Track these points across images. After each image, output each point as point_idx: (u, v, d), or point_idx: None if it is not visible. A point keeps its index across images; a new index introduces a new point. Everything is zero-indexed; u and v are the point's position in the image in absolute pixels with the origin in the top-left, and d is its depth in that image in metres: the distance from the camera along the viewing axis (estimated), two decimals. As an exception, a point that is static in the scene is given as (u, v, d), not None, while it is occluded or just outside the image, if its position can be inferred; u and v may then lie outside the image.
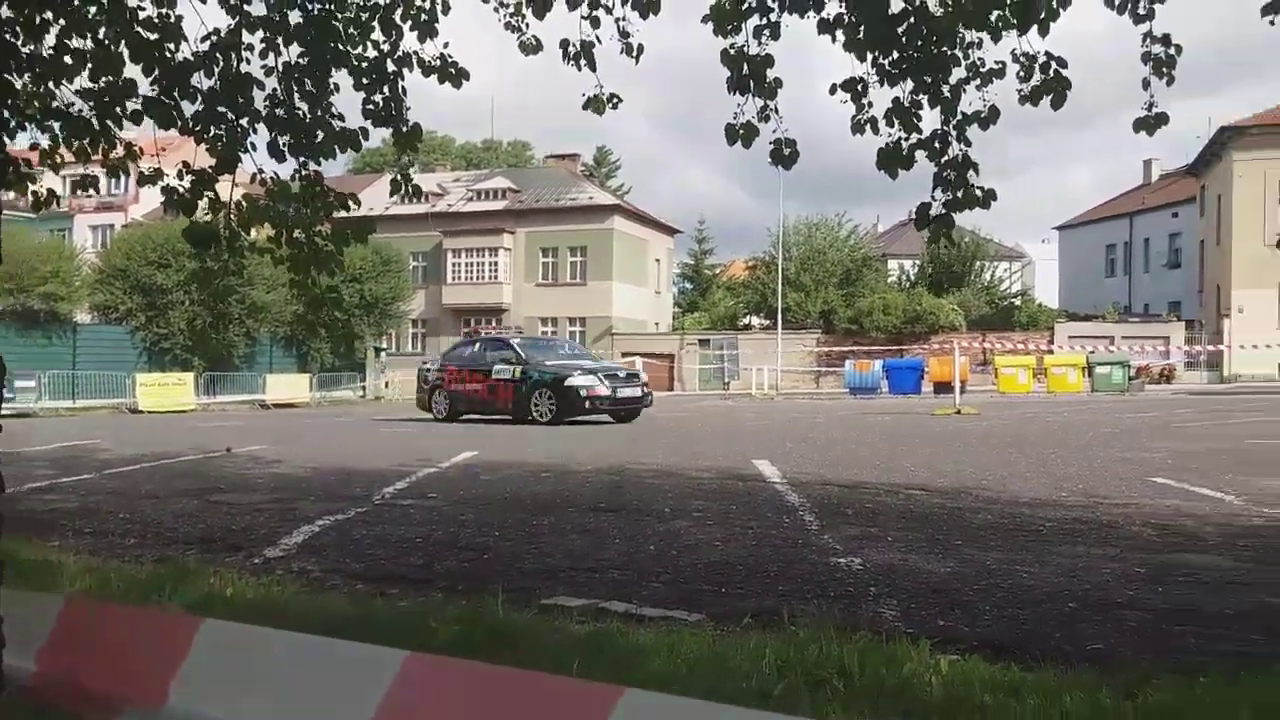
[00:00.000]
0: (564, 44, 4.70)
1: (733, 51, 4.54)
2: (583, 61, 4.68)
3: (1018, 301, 46.43)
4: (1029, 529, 5.88)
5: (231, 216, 4.95)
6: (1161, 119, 4.17)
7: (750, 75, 4.48)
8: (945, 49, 4.30)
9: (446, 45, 5.13)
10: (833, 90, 4.65)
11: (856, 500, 7.17)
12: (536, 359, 19.07)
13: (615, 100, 4.94)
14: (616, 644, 3.23)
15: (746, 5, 4.37)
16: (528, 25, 5.08)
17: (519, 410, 18.56)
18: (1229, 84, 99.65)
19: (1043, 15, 4.22)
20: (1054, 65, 4.25)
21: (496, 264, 48.54)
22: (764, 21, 4.53)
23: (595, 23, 4.58)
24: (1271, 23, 3.73)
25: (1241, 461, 9.70)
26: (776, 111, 4.49)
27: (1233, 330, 35.96)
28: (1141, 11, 4.08)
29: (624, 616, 3.86)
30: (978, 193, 4.45)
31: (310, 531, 6.01)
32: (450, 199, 51.00)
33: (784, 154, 4.55)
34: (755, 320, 48.80)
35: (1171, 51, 4.13)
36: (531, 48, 5.12)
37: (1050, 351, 34.24)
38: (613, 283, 47.41)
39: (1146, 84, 4.14)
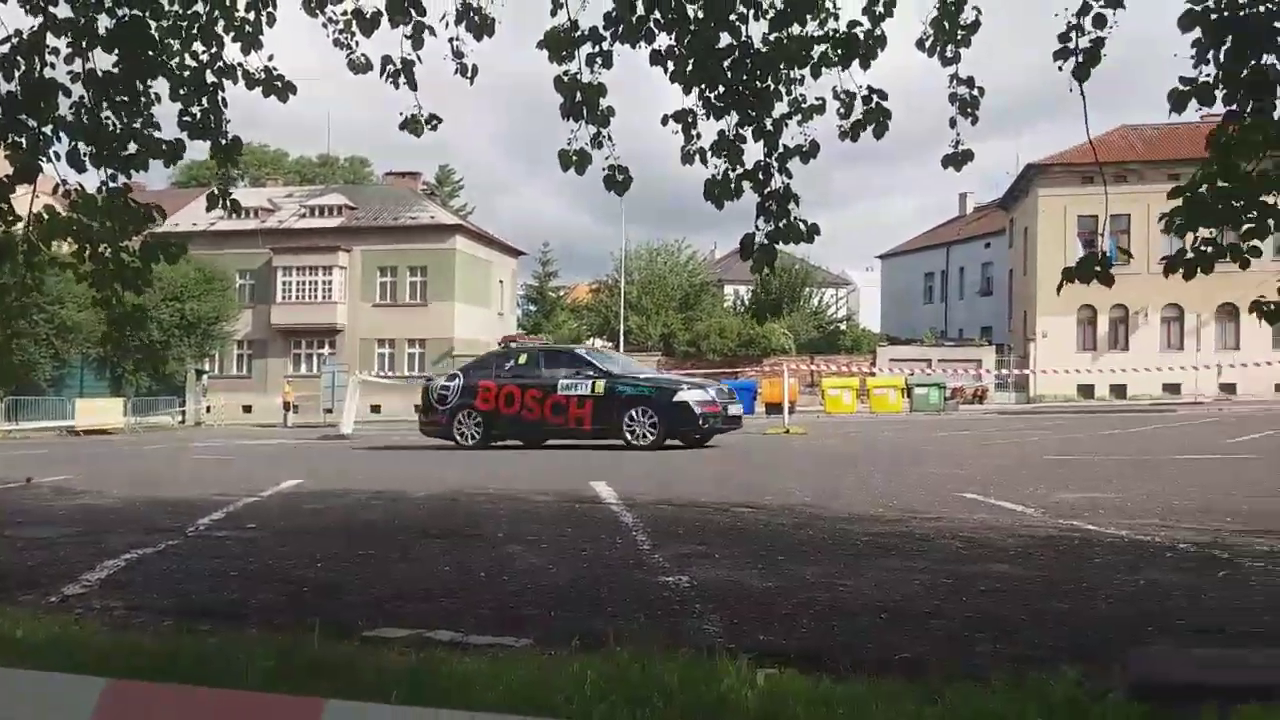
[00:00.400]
0: (385, 61, 4.64)
1: (566, 79, 4.60)
2: (402, 80, 4.64)
3: (843, 326, 48.65)
4: (848, 543, 6.14)
5: (31, 229, 4.64)
6: (967, 155, 4.47)
7: (583, 103, 4.54)
8: (768, 84, 4.49)
9: (271, 58, 4.98)
10: (664, 121, 4.78)
11: (688, 519, 7.31)
12: (617, 371, 16.36)
13: (435, 121, 4.90)
14: (439, 674, 3.17)
15: (579, 34, 4.44)
16: (357, 43, 5.00)
17: (604, 431, 15.77)
18: (1037, 123, 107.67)
19: (863, 53, 4.47)
20: (875, 98, 4.49)
21: (331, 283, 47.09)
22: (596, 50, 4.61)
23: (419, 43, 4.55)
24: (1060, 68, 4.08)
25: (1041, 477, 10.42)
26: (610, 139, 4.57)
27: (1038, 354, 38.68)
28: (949, 55, 4.38)
29: (449, 645, 3.81)
30: (801, 226, 4.65)
31: (115, 566, 5.64)
32: (282, 215, 49.20)
33: (617, 180, 4.64)
34: (598, 342, 49.17)
35: (975, 93, 4.44)
36: (361, 66, 5.04)
37: (873, 374, 35.93)
38: (455, 303, 46.77)
39: (953, 123, 4.44)
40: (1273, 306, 4.09)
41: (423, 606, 4.58)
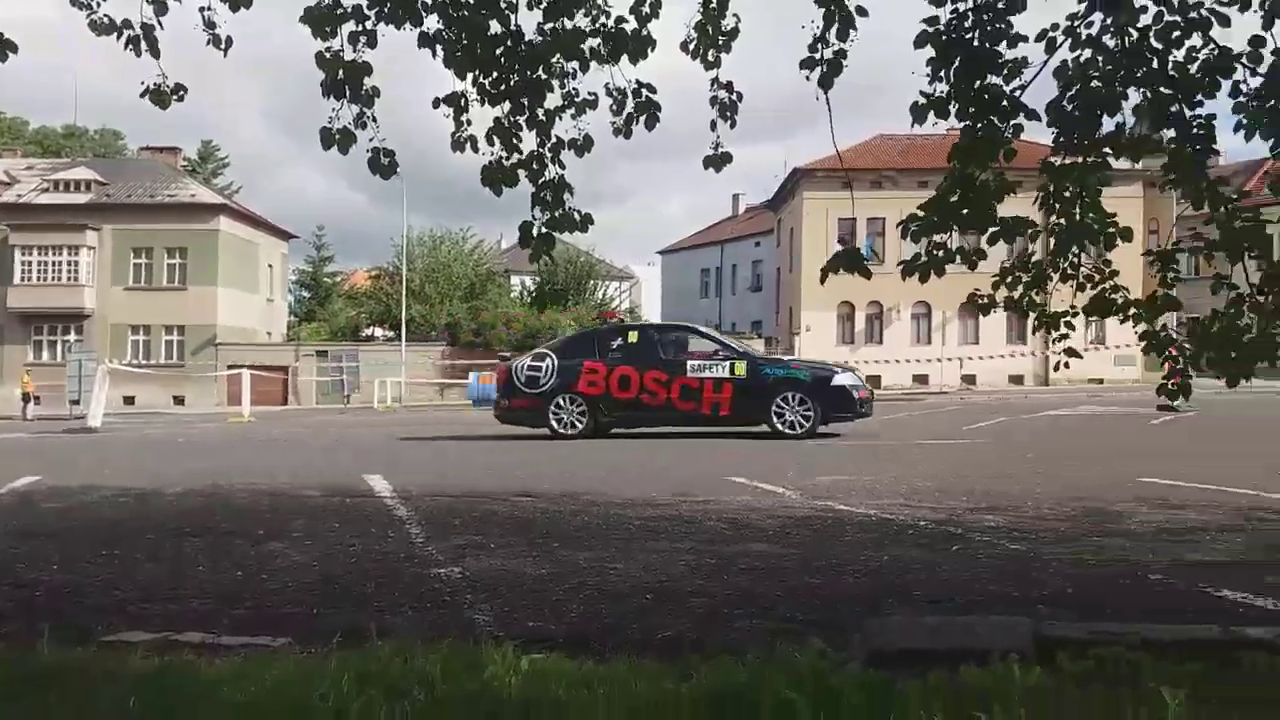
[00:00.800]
0: (124, 25, 4.30)
1: (328, 55, 4.44)
2: (143, 46, 4.32)
3: (627, 319, 49.51)
4: (621, 528, 6.29)
5: None
6: (726, 157, 4.66)
7: (345, 81, 4.39)
8: (540, 74, 4.50)
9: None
10: (436, 104, 4.69)
11: (466, 510, 7.24)
12: (758, 353, 14.50)
13: (181, 92, 4.59)
14: (186, 677, 2.99)
15: (341, 11, 4.28)
16: (99, 2, 4.60)
17: (746, 417, 14.52)
18: (805, 128, 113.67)
19: (631, 50, 4.56)
20: (645, 91, 4.58)
21: (77, 264, 43.18)
22: (360, 28, 4.47)
23: (161, 8, 4.25)
24: (806, 78, 4.32)
25: (802, 460, 11.05)
26: (374, 120, 4.44)
27: (802, 346, 40.89)
28: (710, 59, 4.54)
29: (199, 647, 3.59)
30: (575, 215, 4.70)
31: None
32: (21, 189, 44.64)
33: (382, 163, 4.52)
34: (379, 332, 47.66)
35: (734, 98, 4.63)
36: (103, 27, 4.63)
37: (655, 364, 36.80)
38: (218, 288, 44.00)
39: (714, 125, 4.61)
40: (985, 299, 4.53)
41: (171, 608, 4.30)
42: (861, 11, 4.16)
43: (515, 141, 4.63)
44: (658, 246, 70.02)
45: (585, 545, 5.69)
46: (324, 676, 2.94)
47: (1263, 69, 3.82)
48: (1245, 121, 3.86)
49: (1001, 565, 5.07)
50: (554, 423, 15.09)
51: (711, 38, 4.51)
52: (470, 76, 4.54)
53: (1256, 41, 3.76)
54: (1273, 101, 3.71)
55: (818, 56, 4.16)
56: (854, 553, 5.48)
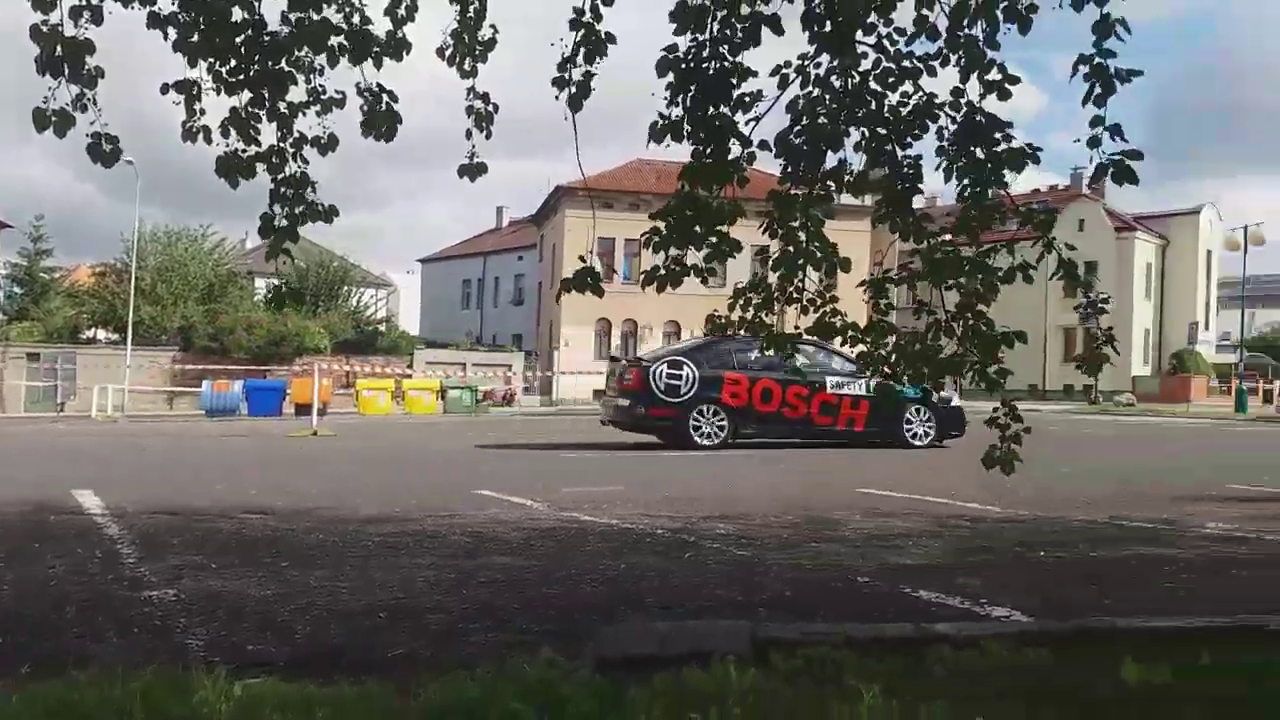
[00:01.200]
0: None
1: (45, 28, 4.05)
2: None
3: (382, 328, 48.05)
4: (359, 545, 6.09)
5: None
6: (481, 168, 4.65)
7: (64, 58, 4.03)
8: (283, 66, 4.31)
9: None
10: (164, 90, 4.38)
11: (187, 529, 6.76)
12: None
13: None
14: None
15: (63, -18, 3.93)
16: None
17: (878, 433, 15.07)
18: (572, 146, 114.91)
19: (376, 51, 4.46)
20: (386, 98, 4.49)
21: None
22: (83, 2, 4.11)
23: None
24: (556, 98, 4.39)
25: (552, 472, 11.17)
26: (95, 103, 4.10)
27: (561, 361, 41.34)
28: (466, 68, 4.52)
29: None
30: (320, 207, 4.54)
31: None
32: None
33: (104, 150, 4.17)
34: (102, 334, 43.54)
35: (490, 108, 4.63)
36: None
37: (410, 376, 35.98)
38: (-96, 281, 38.74)
39: (469, 134, 4.59)
40: (723, 319, 4.80)
41: None
42: (610, 38, 4.28)
43: (254, 134, 4.41)
44: (419, 255, 68.61)
45: (317, 564, 5.46)
46: (6, 712, 2.67)
47: (960, 117, 4.28)
48: (944, 165, 4.31)
49: (729, 571, 5.34)
50: (694, 434, 14.70)
51: (468, 46, 4.49)
52: (206, 64, 4.28)
53: (957, 92, 4.21)
54: (965, 147, 4.15)
55: (567, 77, 4.25)
56: (593, 562, 5.59)
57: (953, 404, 15.67)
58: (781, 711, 2.80)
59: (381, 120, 4.45)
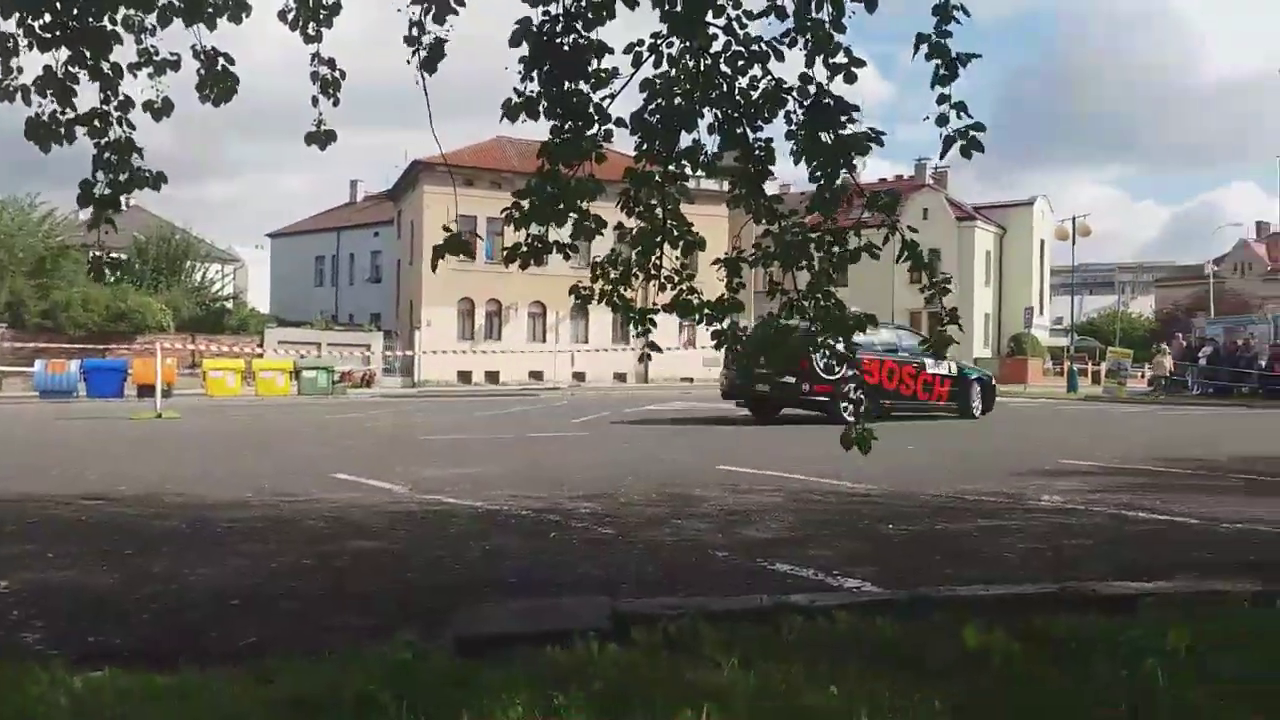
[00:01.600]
0: None
1: None
2: None
3: (230, 305, 45.99)
4: (210, 531, 5.85)
5: None
6: (330, 135, 4.50)
7: None
8: (103, 23, 4.06)
9: None
10: None
11: (20, 515, 6.34)
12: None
13: None
14: None
15: None
16: None
17: (954, 405, 18.28)
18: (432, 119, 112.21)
19: (210, 11, 4.25)
20: (221, 60, 4.29)
21: None
22: None
23: None
24: (408, 61, 4.27)
25: (415, 455, 10.98)
26: None
27: (423, 340, 40.57)
28: (311, 32, 4.36)
29: None
30: (146, 174, 4.31)
31: None
32: None
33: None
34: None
35: (337, 74, 4.49)
36: None
37: (260, 356, 34.61)
38: None
39: (315, 101, 4.43)
40: (586, 291, 4.81)
41: None
42: (460, 1, 4.20)
43: (71, 94, 4.13)
44: (269, 228, 65.91)
45: (163, 551, 5.22)
46: None
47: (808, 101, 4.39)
48: (794, 148, 4.43)
49: (593, 549, 5.39)
50: (842, 411, 15.77)
51: (312, 10, 4.33)
52: (16, 17, 3.98)
53: (805, 77, 4.33)
54: (813, 130, 4.27)
55: (417, 36, 4.14)
56: (458, 544, 5.54)
57: (992, 382, 20.11)
58: (643, 684, 2.85)
59: (217, 81, 4.25)
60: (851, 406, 15.65)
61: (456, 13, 4.17)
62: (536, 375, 42.31)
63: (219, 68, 4.27)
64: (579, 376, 42.70)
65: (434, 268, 4.54)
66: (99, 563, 4.90)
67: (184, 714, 2.59)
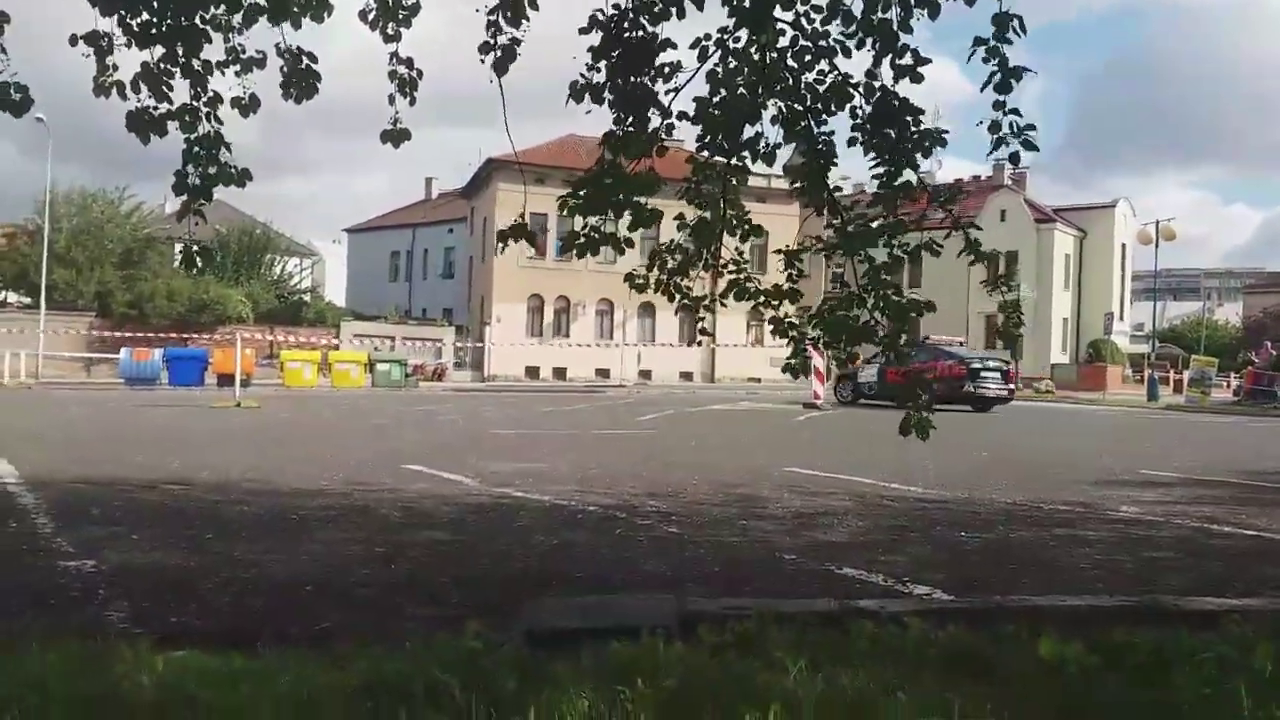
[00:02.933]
0: None
1: None
2: None
3: (307, 298, 47.05)
4: (286, 518, 6.00)
5: None
6: (404, 134, 4.58)
7: None
8: (195, 22, 4.18)
9: None
10: (73, 41, 4.21)
11: (106, 499, 6.58)
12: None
13: None
14: None
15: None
16: None
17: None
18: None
19: (295, 10, 4.34)
20: (305, 59, 4.39)
21: None
22: None
23: None
24: (482, 61, 4.34)
25: (484, 449, 11.10)
26: (3, 51, 3.93)
27: (493, 336, 41.03)
28: (390, 32, 4.44)
29: None
30: (232, 170, 4.43)
31: None
32: None
33: (12, 99, 4.01)
34: (14, 297, 41.84)
35: (415, 74, 4.56)
36: None
37: (336, 348, 35.35)
38: None
39: (392, 100, 4.51)
40: (641, 279, 4.83)
41: None
42: (533, 3, 4.24)
43: (166, 90, 4.27)
44: (346, 224, 67.22)
45: (242, 536, 5.37)
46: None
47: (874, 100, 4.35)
48: (861, 141, 4.40)
49: (659, 547, 5.39)
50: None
51: (391, 10, 4.41)
52: (117, 16, 4.12)
53: (871, 75, 4.29)
54: (878, 129, 4.24)
55: (492, 40, 4.20)
56: (525, 538, 5.60)
57: (1008, 370, 23.95)
58: (709, 684, 2.84)
59: (300, 79, 4.36)
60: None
61: (528, 17, 4.20)
62: (603, 372, 42.48)
63: (303, 66, 4.36)
64: (645, 374, 42.77)
65: (499, 251, 4.59)
66: (181, 546, 5.06)
67: (262, 695, 2.65)
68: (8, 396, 22.11)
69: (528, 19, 4.19)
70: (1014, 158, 4.07)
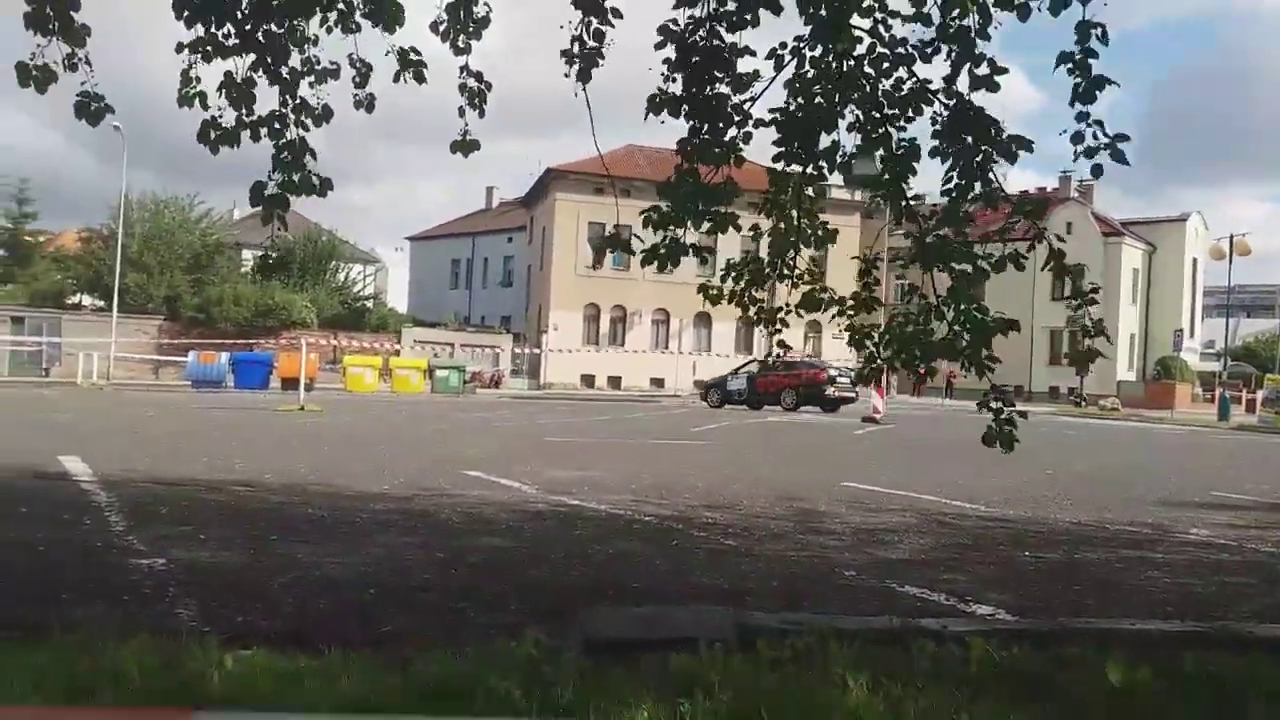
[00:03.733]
0: None
1: None
2: None
3: (370, 304, 47.82)
4: (348, 521, 6.09)
5: None
6: (473, 145, 4.63)
7: (55, 15, 3.98)
8: (283, 31, 4.28)
9: None
10: (179, 50, 4.34)
11: (175, 499, 6.75)
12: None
13: None
14: None
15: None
16: None
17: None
18: (565, 129, 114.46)
19: (387, 18, 4.43)
20: (416, 58, 4.48)
21: None
22: None
23: None
24: (565, 75, 4.38)
25: (540, 455, 11.17)
26: (87, 62, 4.07)
27: (549, 344, 41.31)
28: (460, 45, 4.50)
29: None
30: (314, 179, 4.51)
31: None
32: None
33: (90, 109, 4.14)
34: (88, 300, 43.19)
35: (484, 86, 4.62)
36: None
37: (397, 354, 35.88)
38: (-113, 239, 38.28)
39: (462, 112, 4.57)
40: (715, 290, 4.82)
41: None
42: (617, 14, 4.27)
43: (251, 99, 4.37)
44: (408, 232, 68.21)
45: (306, 538, 5.47)
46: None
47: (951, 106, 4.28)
48: (936, 147, 4.32)
49: (716, 560, 5.37)
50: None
51: (462, 23, 4.47)
52: (200, 27, 4.24)
53: (949, 80, 4.23)
54: (956, 135, 4.17)
55: (575, 51, 4.23)
56: (581, 546, 5.61)
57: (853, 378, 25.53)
58: (769, 699, 2.82)
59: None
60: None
61: (613, 24, 4.24)
62: (658, 381, 42.50)
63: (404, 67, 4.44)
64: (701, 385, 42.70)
65: (598, 262, 4.65)
66: (246, 546, 5.17)
67: (328, 696, 2.70)
68: (82, 397, 22.80)
69: (612, 25, 4.23)
70: (1096, 170, 3.96)
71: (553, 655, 3.10)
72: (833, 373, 27.54)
